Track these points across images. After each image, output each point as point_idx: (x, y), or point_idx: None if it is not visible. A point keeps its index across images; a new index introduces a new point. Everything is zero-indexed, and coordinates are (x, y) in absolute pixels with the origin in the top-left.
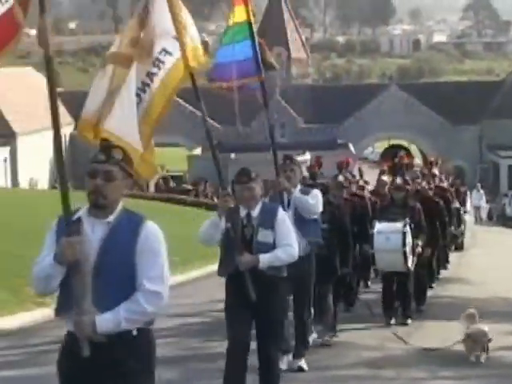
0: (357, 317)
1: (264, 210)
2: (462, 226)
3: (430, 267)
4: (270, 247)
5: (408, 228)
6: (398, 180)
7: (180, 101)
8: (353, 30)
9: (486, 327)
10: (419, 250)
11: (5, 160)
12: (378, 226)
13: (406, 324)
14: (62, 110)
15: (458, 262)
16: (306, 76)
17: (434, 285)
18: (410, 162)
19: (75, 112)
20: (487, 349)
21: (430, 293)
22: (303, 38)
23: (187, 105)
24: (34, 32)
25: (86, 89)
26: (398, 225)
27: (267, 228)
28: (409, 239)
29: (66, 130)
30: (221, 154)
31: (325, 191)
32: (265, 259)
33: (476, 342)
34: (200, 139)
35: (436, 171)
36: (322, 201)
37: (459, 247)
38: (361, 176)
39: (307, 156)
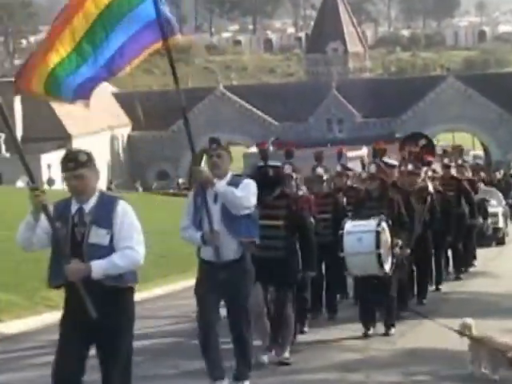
0: (342, 318)
1: (100, 202)
2: (490, 220)
3: (437, 265)
4: (106, 251)
5: (384, 225)
6: (372, 168)
7: (237, 98)
8: (417, 23)
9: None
10: (397, 250)
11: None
12: (348, 226)
13: (388, 335)
14: (119, 111)
15: (492, 257)
16: (363, 70)
17: (440, 286)
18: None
19: (132, 113)
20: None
21: (445, 288)
22: (359, 31)
23: (243, 102)
24: None
25: (147, 89)
26: (372, 222)
27: (102, 226)
28: (385, 238)
29: (124, 131)
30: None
31: (276, 179)
32: (98, 267)
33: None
34: (257, 137)
35: (447, 161)
36: (255, 192)
37: (500, 242)
38: (363, 168)
39: (364, 150)
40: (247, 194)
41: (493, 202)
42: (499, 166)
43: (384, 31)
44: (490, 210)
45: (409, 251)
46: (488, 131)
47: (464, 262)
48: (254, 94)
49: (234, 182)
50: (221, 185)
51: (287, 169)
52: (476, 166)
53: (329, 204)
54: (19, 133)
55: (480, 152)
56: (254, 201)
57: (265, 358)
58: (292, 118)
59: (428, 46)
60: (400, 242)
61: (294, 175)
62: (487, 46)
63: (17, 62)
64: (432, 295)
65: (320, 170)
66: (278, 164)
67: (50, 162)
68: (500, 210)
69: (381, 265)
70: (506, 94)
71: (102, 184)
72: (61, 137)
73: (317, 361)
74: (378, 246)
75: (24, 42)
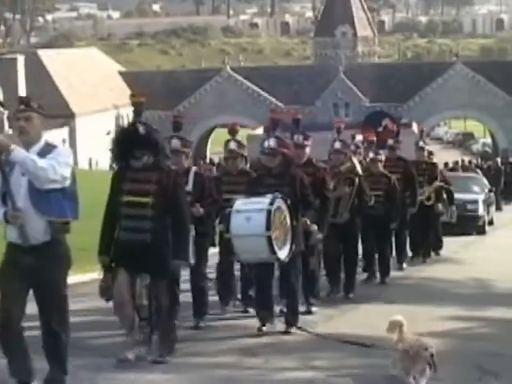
0: None
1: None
2: (454, 207)
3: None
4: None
5: (281, 204)
6: (271, 143)
7: (243, 80)
8: (436, 10)
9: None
10: (316, 237)
11: (63, 141)
12: (238, 203)
13: (289, 333)
14: (126, 90)
15: (466, 243)
16: (372, 54)
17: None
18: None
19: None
20: (434, 364)
21: (401, 273)
22: (371, 16)
23: (250, 84)
24: (117, 14)
25: (157, 69)
26: (265, 200)
27: None
28: (281, 219)
29: (129, 111)
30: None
31: (147, 140)
32: (19, 151)
33: (415, 358)
34: (264, 119)
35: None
36: (68, 163)
37: (480, 231)
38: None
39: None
40: (55, 164)
41: (475, 188)
42: (506, 154)
43: (402, 17)
44: (469, 196)
45: (320, 236)
46: (495, 119)
47: (426, 250)
48: (261, 75)
49: (46, 151)
50: (20, 152)
51: (175, 143)
52: (484, 153)
53: (242, 183)
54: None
55: (489, 140)
56: (65, 173)
57: (130, 355)
58: (299, 101)
59: (445, 33)
60: (315, 227)
61: (186, 150)
62: (505, 34)
63: (33, 39)
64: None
65: (233, 145)
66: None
67: (52, 140)
68: (480, 198)
69: (272, 250)
70: None
71: (105, 163)
72: (64, 115)
73: (218, 345)
74: (268, 228)
75: (41, 19)
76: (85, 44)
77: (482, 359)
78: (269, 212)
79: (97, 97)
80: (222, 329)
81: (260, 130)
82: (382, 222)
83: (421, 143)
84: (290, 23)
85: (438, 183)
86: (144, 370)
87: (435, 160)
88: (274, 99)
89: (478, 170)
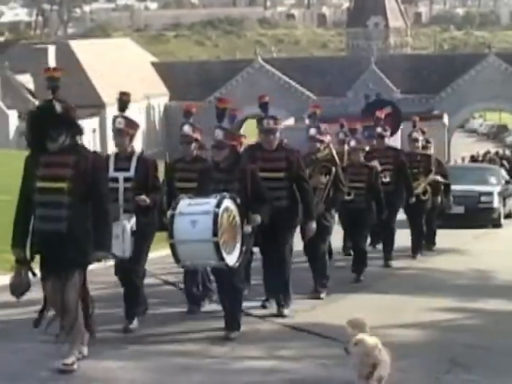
0: None
1: None
2: (451, 199)
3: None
4: None
5: (229, 205)
6: (218, 134)
7: (275, 71)
8: (474, 1)
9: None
10: (248, 229)
11: (93, 131)
12: (181, 205)
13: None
14: (158, 80)
15: (478, 234)
16: (404, 45)
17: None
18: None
19: (171, 83)
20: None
21: (401, 263)
22: (402, 6)
23: (281, 75)
24: (154, 5)
25: (189, 60)
26: (212, 201)
27: None
28: (230, 221)
29: (161, 101)
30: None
31: (63, 118)
32: None
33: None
34: (295, 110)
35: (416, 135)
36: None
37: (496, 223)
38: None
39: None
40: None
41: (491, 179)
42: None
43: (439, 9)
44: (484, 188)
45: (259, 220)
46: None
47: (418, 243)
48: (294, 67)
49: None
50: None
51: (187, 129)
52: None
53: (196, 170)
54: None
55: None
56: None
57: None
58: (330, 92)
59: (482, 25)
60: (259, 219)
61: (131, 131)
62: None
63: (70, 30)
64: (374, 270)
65: (187, 129)
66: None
67: None
68: (496, 189)
69: (220, 256)
70: None
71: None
72: (95, 104)
73: (187, 333)
74: (215, 233)
75: (78, 10)
76: (121, 35)
77: (458, 351)
78: (216, 215)
79: (128, 87)
80: (196, 318)
81: (291, 121)
82: (362, 215)
83: (414, 134)
84: (326, 15)
85: (432, 176)
86: (100, 357)
87: (432, 151)
88: (305, 90)
89: (505, 162)
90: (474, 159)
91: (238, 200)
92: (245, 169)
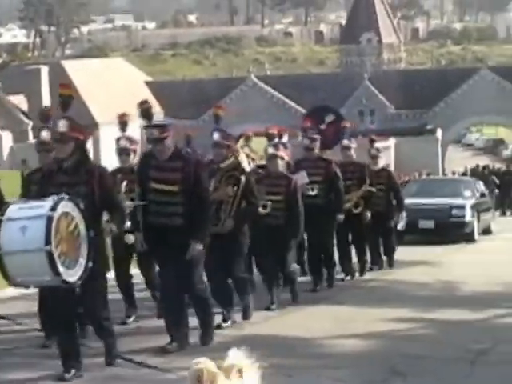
0: None
1: None
2: (404, 214)
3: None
4: None
5: (69, 208)
6: (60, 125)
7: (268, 88)
8: (471, 16)
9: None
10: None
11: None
12: (11, 209)
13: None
14: (151, 99)
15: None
16: (397, 61)
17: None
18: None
19: (165, 102)
20: None
21: (367, 276)
22: (395, 22)
23: (274, 92)
24: (152, 25)
25: (183, 78)
26: (46, 204)
27: None
28: (71, 228)
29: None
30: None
31: None
32: None
33: None
34: (288, 126)
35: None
36: None
37: (468, 238)
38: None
39: (390, 142)
40: None
41: (465, 192)
42: None
43: (436, 24)
44: (455, 201)
45: (200, 248)
46: None
47: (362, 264)
48: (287, 84)
49: None
50: None
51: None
52: (511, 158)
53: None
54: None
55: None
56: None
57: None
58: None
59: (480, 40)
60: (130, 238)
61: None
62: None
63: (68, 51)
64: (339, 282)
65: (123, 142)
66: None
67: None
68: (469, 202)
69: (55, 270)
70: None
71: None
72: (88, 124)
73: (132, 345)
74: (48, 241)
75: (76, 31)
76: (118, 55)
77: (400, 361)
78: (49, 219)
79: (121, 106)
80: (144, 330)
81: (285, 138)
82: (281, 233)
83: (345, 142)
84: (323, 32)
85: (366, 187)
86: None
87: (381, 164)
88: (299, 107)
89: (494, 177)
90: (464, 174)
91: (82, 205)
92: (92, 170)
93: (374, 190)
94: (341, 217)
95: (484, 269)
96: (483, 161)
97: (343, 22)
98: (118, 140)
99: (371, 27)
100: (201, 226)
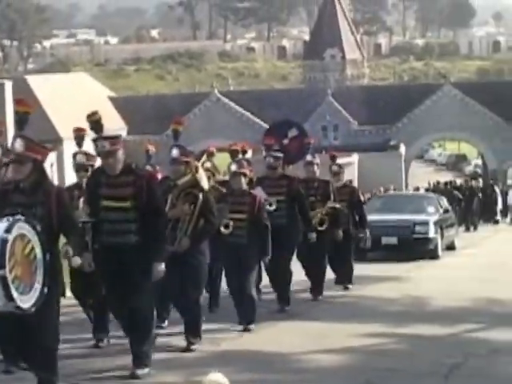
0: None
1: None
2: (367, 232)
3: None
4: None
5: (25, 230)
6: (17, 145)
7: (231, 104)
8: (433, 33)
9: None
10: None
11: (51, 165)
12: None
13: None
14: (115, 115)
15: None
16: (361, 77)
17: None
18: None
19: (128, 117)
20: None
21: (338, 292)
22: (358, 38)
23: (238, 107)
24: (115, 40)
25: (146, 94)
26: (0, 225)
27: None
28: (26, 251)
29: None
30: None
31: None
32: None
33: None
34: (252, 142)
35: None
36: None
37: (432, 255)
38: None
39: (354, 157)
40: None
41: (428, 208)
42: (495, 175)
43: (398, 40)
44: (418, 217)
45: (162, 268)
46: (484, 140)
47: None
48: (250, 99)
49: None
50: None
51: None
52: (474, 173)
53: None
54: (10, 134)
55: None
56: None
57: None
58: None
59: (442, 56)
60: (77, 260)
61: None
62: (501, 56)
63: (30, 66)
64: (308, 297)
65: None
66: None
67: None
68: (432, 218)
69: (9, 295)
70: (504, 103)
71: None
72: (52, 139)
73: (115, 360)
74: (1, 265)
75: (38, 46)
76: (81, 69)
77: (375, 374)
78: (4, 242)
79: (85, 121)
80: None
81: (249, 154)
82: (245, 252)
83: (308, 157)
84: (286, 47)
85: (330, 204)
86: None
87: (343, 179)
88: (262, 122)
89: (456, 192)
90: (427, 189)
91: (39, 227)
92: (49, 190)
93: (338, 206)
94: (313, 235)
95: (450, 284)
96: (446, 176)
97: (306, 37)
98: (74, 155)
99: (335, 43)
100: (159, 246)
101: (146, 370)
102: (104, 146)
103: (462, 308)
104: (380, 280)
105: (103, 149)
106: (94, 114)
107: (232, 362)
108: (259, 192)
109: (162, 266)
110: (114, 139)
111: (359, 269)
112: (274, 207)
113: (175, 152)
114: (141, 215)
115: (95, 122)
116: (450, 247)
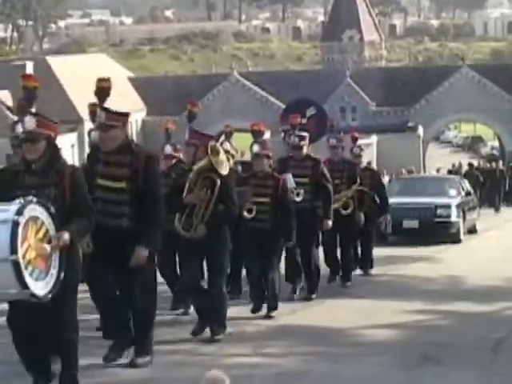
0: None
1: None
2: (388, 216)
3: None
4: None
5: (37, 212)
6: (30, 123)
7: (251, 85)
8: (448, 13)
9: None
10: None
11: (72, 146)
12: None
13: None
14: (135, 96)
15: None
16: (379, 59)
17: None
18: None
19: (148, 98)
20: None
21: (375, 270)
22: (376, 20)
23: (257, 88)
24: (129, 20)
25: (165, 75)
26: (11, 207)
27: None
28: (40, 235)
29: (138, 116)
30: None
31: None
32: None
33: None
34: (271, 123)
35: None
36: None
37: (454, 239)
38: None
39: (373, 139)
40: None
41: (450, 191)
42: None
43: (413, 21)
44: (440, 200)
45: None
46: (501, 122)
47: (346, 268)
48: (269, 80)
49: None
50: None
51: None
52: (491, 156)
53: None
54: None
55: (497, 143)
56: None
57: None
58: None
59: (457, 37)
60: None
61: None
62: None
63: (45, 45)
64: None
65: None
66: None
67: (61, 146)
68: (454, 202)
69: (22, 282)
70: None
71: None
72: (73, 120)
73: (176, 334)
74: (14, 249)
75: (53, 26)
76: (97, 50)
77: (428, 348)
78: (15, 224)
79: (105, 102)
80: (183, 322)
81: (268, 134)
82: (267, 237)
83: (332, 140)
84: (301, 28)
85: (356, 187)
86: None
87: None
88: (281, 104)
89: (478, 174)
90: (450, 171)
91: (53, 209)
92: (63, 170)
93: (366, 189)
94: (329, 223)
95: (479, 265)
96: (462, 158)
97: (321, 18)
98: (89, 133)
99: (353, 25)
100: (149, 230)
101: (147, 358)
102: (100, 116)
103: (495, 287)
104: (413, 260)
105: (98, 119)
106: (105, 80)
107: (292, 336)
108: (289, 179)
109: (146, 253)
110: (112, 114)
111: (386, 251)
112: (300, 199)
113: (187, 135)
114: (136, 199)
115: (101, 88)
116: (472, 231)
